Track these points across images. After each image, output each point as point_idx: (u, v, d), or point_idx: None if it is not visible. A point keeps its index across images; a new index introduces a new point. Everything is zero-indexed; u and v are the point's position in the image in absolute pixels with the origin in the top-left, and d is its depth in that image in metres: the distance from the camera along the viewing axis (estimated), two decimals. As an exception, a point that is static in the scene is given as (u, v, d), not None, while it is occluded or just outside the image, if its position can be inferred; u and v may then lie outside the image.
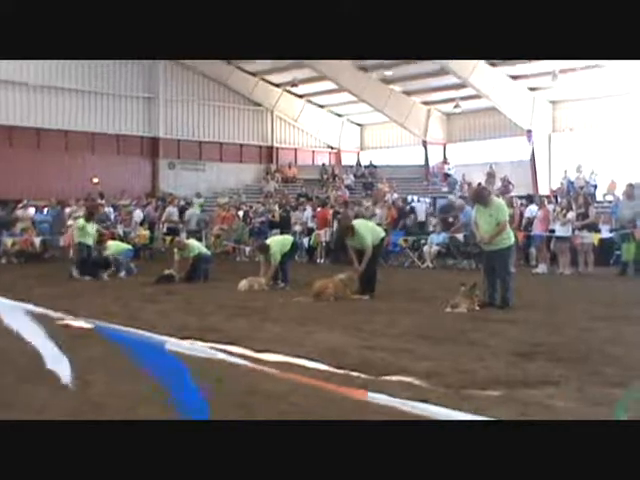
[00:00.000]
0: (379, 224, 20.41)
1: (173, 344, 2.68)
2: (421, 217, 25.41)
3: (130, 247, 18.92)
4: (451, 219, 21.52)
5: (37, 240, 23.13)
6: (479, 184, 29.45)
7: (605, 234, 18.54)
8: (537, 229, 19.18)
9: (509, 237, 10.97)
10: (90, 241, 17.36)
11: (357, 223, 12.94)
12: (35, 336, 3.17)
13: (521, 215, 20.83)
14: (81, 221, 17.80)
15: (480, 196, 11.21)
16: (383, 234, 13.19)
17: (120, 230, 25.04)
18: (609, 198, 26.12)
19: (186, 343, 2.81)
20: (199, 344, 6.77)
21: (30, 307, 3.09)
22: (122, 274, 17.06)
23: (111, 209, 26.54)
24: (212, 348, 6.18)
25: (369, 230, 12.62)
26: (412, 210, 25.29)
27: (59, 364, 3.30)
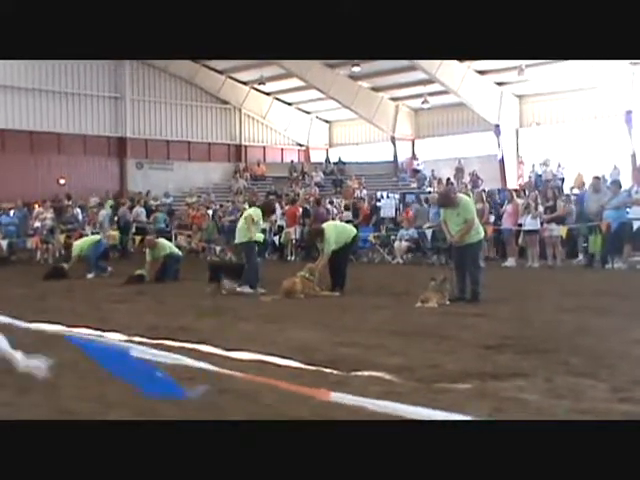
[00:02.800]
0: (350, 221, 20.52)
1: (138, 351, 2.66)
2: (391, 213, 25.50)
3: (98, 238, 18.27)
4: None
5: (3, 243, 22.83)
6: (447, 179, 29.70)
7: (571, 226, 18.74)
8: (506, 223, 19.32)
9: (478, 232, 11.03)
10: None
11: (327, 226, 12.92)
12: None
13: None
14: (251, 211, 13.58)
15: (447, 200, 11.21)
16: (354, 232, 13.20)
17: (88, 231, 24.82)
18: (576, 191, 26.41)
19: (152, 350, 2.78)
20: (169, 344, 6.73)
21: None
22: (91, 275, 16.74)
23: (79, 210, 26.29)
24: (182, 349, 6.16)
25: (338, 233, 12.58)
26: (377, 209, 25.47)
27: (31, 362, 3.28)
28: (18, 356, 3.63)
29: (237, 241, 13.26)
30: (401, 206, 26.24)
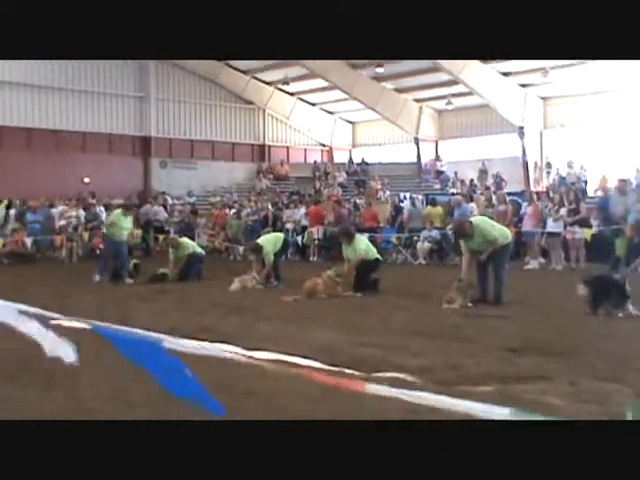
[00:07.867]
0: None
1: (171, 342, 2.68)
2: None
3: None
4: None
5: (28, 240, 23.01)
6: (471, 181, 29.57)
7: (595, 229, 18.56)
8: (527, 225, 19.21)
9: (506, 236, 10.93)
10: None
11: (358, 237, 13.26)
12: (31, 328, 3.18)
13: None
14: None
15: (462, 231, 11.05)
16: (377, 256, 13.37)
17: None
18: (600, 194, 26.16)
19: (184, 341, 2.80)
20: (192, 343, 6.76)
21: (22, 307, 3.08)
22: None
23: (102, 208, 26.45)
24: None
25: (367, 247, 13.05)
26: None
27: (60, 349, 3.31)
28: (49, 341, 3.66)
29: None
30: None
